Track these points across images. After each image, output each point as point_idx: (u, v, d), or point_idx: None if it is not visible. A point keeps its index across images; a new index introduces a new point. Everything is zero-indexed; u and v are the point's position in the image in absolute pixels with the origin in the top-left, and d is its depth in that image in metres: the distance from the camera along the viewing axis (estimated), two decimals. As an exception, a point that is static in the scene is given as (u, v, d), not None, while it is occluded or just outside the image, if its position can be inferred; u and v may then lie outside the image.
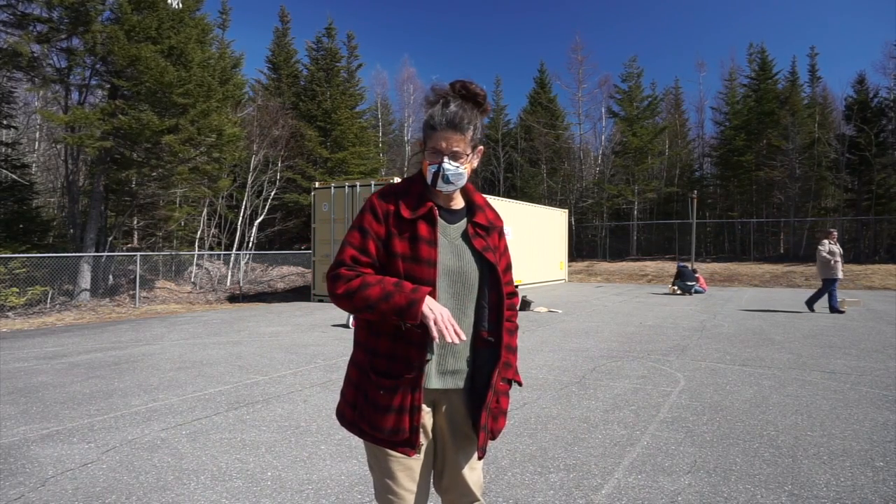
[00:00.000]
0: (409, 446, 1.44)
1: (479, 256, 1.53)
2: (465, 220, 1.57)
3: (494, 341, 1.52)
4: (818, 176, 28.68)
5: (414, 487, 1.50)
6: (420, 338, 1.42)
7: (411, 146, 36.02)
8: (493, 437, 1.58)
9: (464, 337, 1.36)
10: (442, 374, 1.50)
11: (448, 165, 1.46)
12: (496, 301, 1.53)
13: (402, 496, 1.49)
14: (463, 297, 1.51)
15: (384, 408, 1.43)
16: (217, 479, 2.98)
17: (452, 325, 1.35)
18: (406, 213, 1.47)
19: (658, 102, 35.45)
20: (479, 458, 1.55)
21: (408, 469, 1.49)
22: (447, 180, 1.47)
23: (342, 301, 1.43)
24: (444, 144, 1.46)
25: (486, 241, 1.56)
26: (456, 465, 1.57)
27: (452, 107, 1.47)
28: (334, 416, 3.93)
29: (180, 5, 13.44)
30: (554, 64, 72.54)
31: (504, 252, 1.66)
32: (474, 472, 1.60)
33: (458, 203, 1.60)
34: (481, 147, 1.58)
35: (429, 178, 1.50)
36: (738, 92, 34.39)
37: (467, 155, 1.50)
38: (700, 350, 6.74)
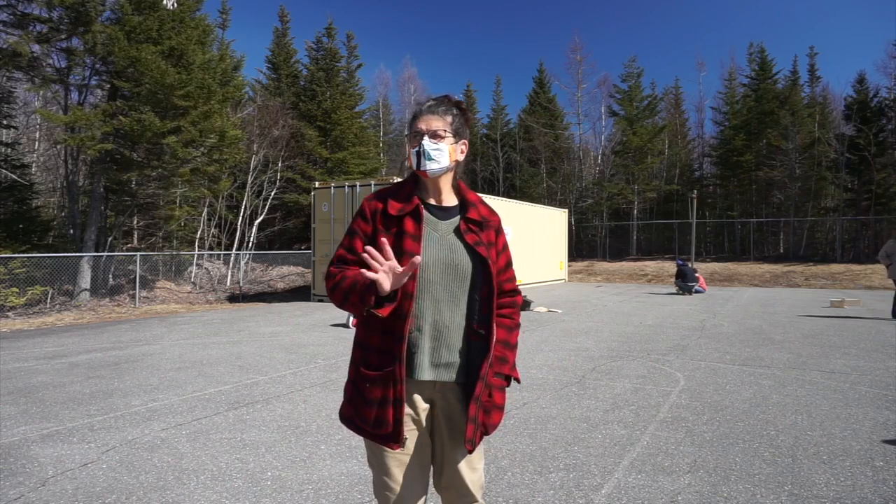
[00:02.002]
0: (393, 440, 1.46)
1: (471, 251, 1.56)
2: (458, 217, 1.61)
3: (485, 334, 1.54)
4: (818, 176, 28.66)
5: (408, 483, 1.52)
6: (400, 330, 1.45)
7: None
8: (487, 433, 1.58)
9: (397, 268, 1.36)
10: (435, 367, 1.52)
11: (427, 142, 1.52)
12: (488, 295, 1.55)
13: (398, 492, 1.51)
14: (455, 289, 1.53)
15: (369, 401, 1.48)
16: (217, 479, 2.98)
17: (384, 261, 1.36)
18: (393, 211, 1.53)
19: (658, 102, 35.44)
20: (469, 452, 1.55)
21: (403, 465, 1.51)
22: (428, 157, 1.52)
23: (331, 296, 1.52)
24: (423, 126, 1.55)
25: (479, 236, 1.59)
26: (454, 464, 1.57)
27: (433, 99, 1.60)
28: (334, 416, 3.94)
29: (175, 5, 13.39)
30: (553, 64, 72.47)
31: (503, 249, 1.68)
32: (475, 472, 1.60)
33: (451, 200, 1.63)
34: (466, 141, 1.63)
35: (413, 162, 1.55)
36: (738, 92, 34.38)
37: (447, 134, 1.55)
38: (700, 350, 6.74)
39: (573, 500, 2.70)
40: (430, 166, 1.52)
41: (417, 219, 1.52)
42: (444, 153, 1.54)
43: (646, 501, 2.67)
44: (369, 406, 1.47)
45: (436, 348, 1.52)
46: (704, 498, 2.70)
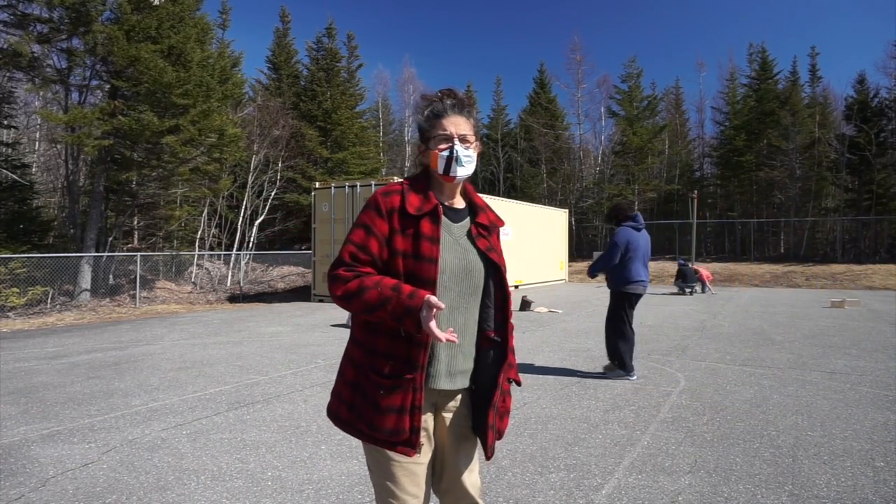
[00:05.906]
0: (410, 446, 1.41)
1: (483, 256, 1.52)
2: (468, 219, 1.57)
3: (501, 341, 1.51)
4: (818, 176, 28.65)
5: (416, 491, 1.47)
6: (423, 338, 1.39)
7: (411, 146, 36.03)
8: (500, 437, 1.58)
9: (455, 339, 1.35)
10: (451, 375, 1.48)
11: (460, 148, 1.46)
12: (502, 301, 1.52)
13: (403, 500, 1.45)
14: (468, 295, 1.50)
15: (384, 408, 1.40)
16: (217, 479, 2.98)
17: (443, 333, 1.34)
18: (411, 210, 1.44)
19: (658, 102, 35.44)
20: (488, 458, 1.54)
21: (410, 473, 1.46)
22: (460, 163, 1.46)
23: (341, 303, 1.42)
24: (452, 129, 1.47)
25: (490, 241, 1.56)
26: (455, 467, 1.56)
27: (453, 97, 1.51)
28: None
29: (161, 1, 13.34)
30: (553, 64, 72.36)
31: (501, 254, 1.66)
32: (472, 475, 1.59)
33: (460, 202, 1.59)
34: (479, 143, 1.59)
35: (441, 166, 1.47)
36: (739, 92, 34.38)
37: (474, 139, 1.51)
38: (700, 350, 6.74)
39: (573, 501, 2.70)
40: (461, 172, 1.47)
41: (436, 220, 1.44)
42: (473, 160, 1.49)
43: (646, 502, 2.67)
44: (383, 414, 1.40)
45: (452, 357, 1.47)
46: (705, 498, 2.70)
